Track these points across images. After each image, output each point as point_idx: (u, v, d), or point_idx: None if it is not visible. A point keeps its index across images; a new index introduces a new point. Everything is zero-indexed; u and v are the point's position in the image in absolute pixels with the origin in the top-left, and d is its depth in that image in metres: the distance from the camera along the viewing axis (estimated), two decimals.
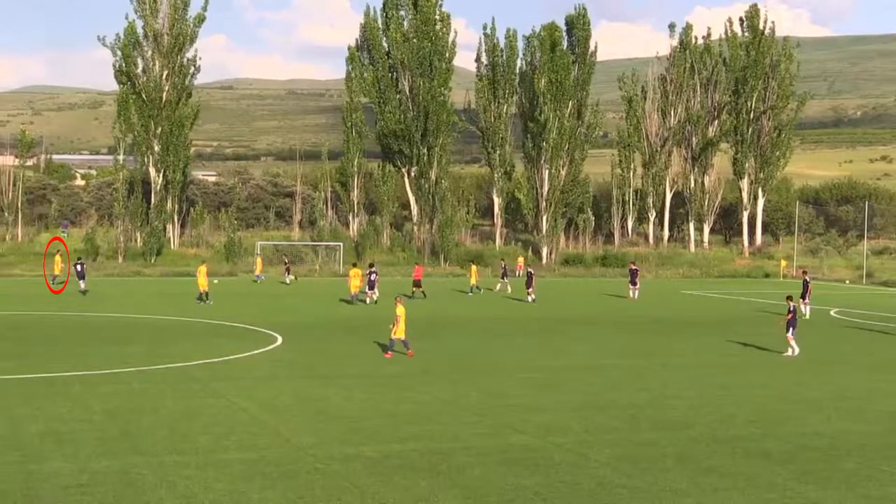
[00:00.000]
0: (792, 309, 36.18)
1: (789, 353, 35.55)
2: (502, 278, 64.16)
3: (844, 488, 17.69)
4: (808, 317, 49.37)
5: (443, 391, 26.87)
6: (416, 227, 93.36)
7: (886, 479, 18.47)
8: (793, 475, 18.52)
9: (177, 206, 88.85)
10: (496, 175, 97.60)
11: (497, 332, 42.31)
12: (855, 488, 17.71)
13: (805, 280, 52.73)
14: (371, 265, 56.61)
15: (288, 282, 67.63)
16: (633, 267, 62.97)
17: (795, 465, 19.39)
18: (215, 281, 65.67)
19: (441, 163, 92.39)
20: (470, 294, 61.35)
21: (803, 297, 50.53)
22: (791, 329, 35.79)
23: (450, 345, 37.47)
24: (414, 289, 57.59)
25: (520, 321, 47.30)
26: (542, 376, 30.04)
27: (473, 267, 65.30)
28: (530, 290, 56.88)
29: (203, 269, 54.19)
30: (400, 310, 33.37)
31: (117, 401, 24.24)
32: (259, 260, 72.22)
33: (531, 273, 58.69)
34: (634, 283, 61.03)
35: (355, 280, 52.92)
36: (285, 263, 70.30)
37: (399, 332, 33.11)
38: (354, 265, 57.01)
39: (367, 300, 52.68)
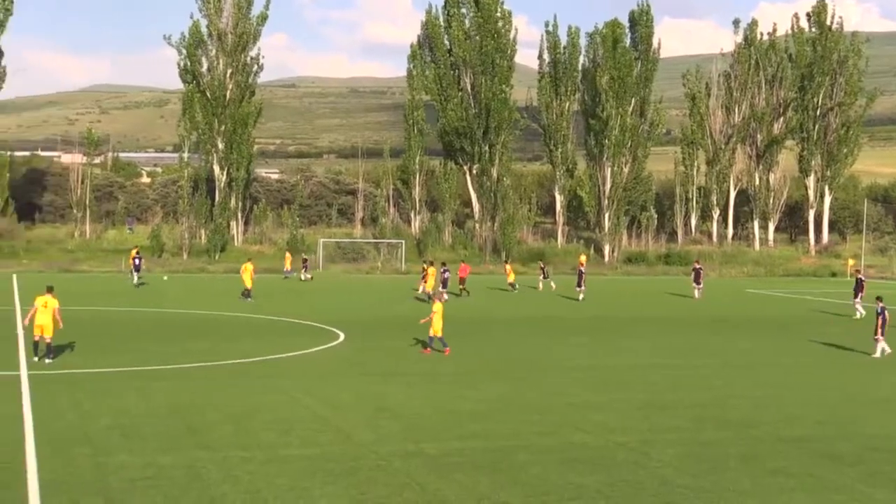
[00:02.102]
0: (880, 311, 35.18)
1: (878, 354, 34.86)
2: (543, 278, 64.03)
3: None
4: (861, 316, 48.90)
5: (502, 389, 26.81)
6: (477, 225, 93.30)
7: None
8: (860, 476, 18.23)
9: (240, 204, 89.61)
10: (558, 172, 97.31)
11: (553, 331, 42.21)
12: None
13: (858, 279, 52.03)
14: (444, 264, 56.85)
15: (302, 278, 67.78)
16: (698, 266, 62.33)
17: (864, 466, 19.08)
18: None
19: (503, 160, 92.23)
20: (514, 290, 61.40)
21: (856, 295, 49.92)
22: (881, 330, 34.89)
23: (505, 343, 37.40)
24: (461, 287, 57.70)
25: (576, 320, 47.09)
26: (601, 375, 29.96)
27: (508, 266, 65.35)
28: (580, 288, 56.58)
29: (249, 266, 54.57)
30: (437, 307, 33.59)
31: (181, 396, 24.51)
32: (288, 255, 72.29)
33: (581, 271, 58.14)
34: (698, 283, 60.43)
35: (431, 279, 53.06)
36: (303, 260, 70.26)
37: (436, 330, 33.25)
38: (431, 263, 56.84)
39: (443, 298, 52.34)
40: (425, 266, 56.29)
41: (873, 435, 22.07)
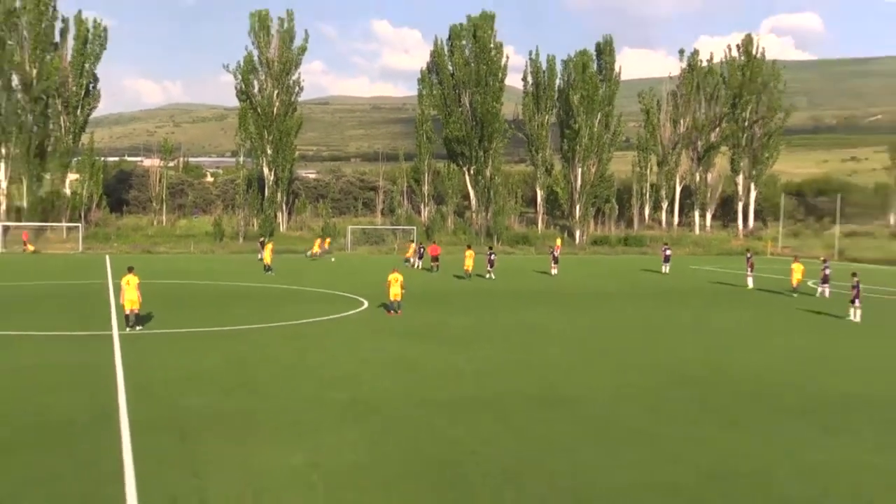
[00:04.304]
0: (855, 284, 35.43)
1: (852, 317, 35.04)
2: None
3: (854, 439, 17.12)
4: (750, 287, 49.13)
5: (496, 351, 26.46)
6: (474, 215, 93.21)
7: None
8: (807, 426, 17.79)
9: (284, 198, 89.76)
10: (539, 172, 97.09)
11: (534, 301, 41.68)
12: (864, 438, 17.39)
13: (748, 257, 52.13)
14: (420, 244, 57.77)
15: (333, 259, 67.68)
16: (666, 248, 62.70)
17: (811, 416, 18.59)
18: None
19: (494, 162, 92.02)
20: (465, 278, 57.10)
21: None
22: (854, 301, 35.16)
23: (501, 313, 37.11)
24: (433, 263, 57.53)
25: (557, 293, 46.85)
26: (579, 340, 29.77)
27: (470, 251, 56.22)
28: (555, 265, 56.11)
29: (270, 245, 55.64)
30: (393, 276, 33.91)
31: (237, 352, 24.54)
32: (318, 240, 72.06)
33: (554, 254, 57.71)
34: (667, 261, 60.80)
35: (469, 260, 51.91)
36: (324, 242, 71.41)
37: (396, 295, 33.59)
38: (469, 247, 56.31)
39: (486, 276, 52.13)
40: (411, 243, 59.40)
41: (817, 391, 21.63)
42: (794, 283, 46.55)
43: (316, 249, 69.33)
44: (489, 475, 13.64)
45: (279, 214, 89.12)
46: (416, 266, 58.59)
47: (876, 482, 14.08)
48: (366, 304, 37.07)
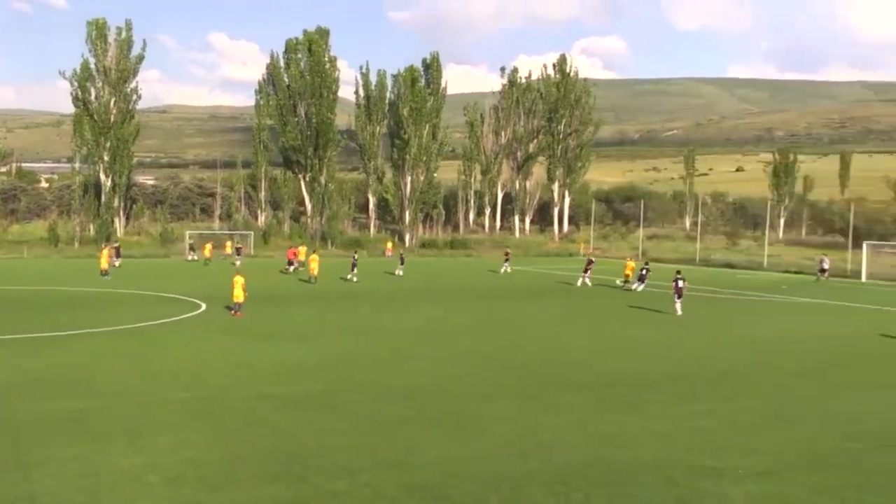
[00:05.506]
0: (676, 280, 36.97)
1: (679, 312, 36.18)
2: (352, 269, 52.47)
3: (632, 411, 18.13)
4: (582, 285, 50.73)
5: (335, 346, 26.51)
6: (309, 220, 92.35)
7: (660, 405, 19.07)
8: (592, 401, 18.88)
9: (122, 204, 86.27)
10: (371, 180, 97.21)
11: (377, 300, 41.70)
12: (636, 411, 18.27)
13: (589, 259, 54.13)
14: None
15: (215, 260, 66.05)
16: (508, 251, 64.06)
17: (595, 392, 19.76)
18: (196, 258, 64.14)
19: (329, 170, 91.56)
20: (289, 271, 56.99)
21: (586, 271, 51.79)
22: (677, 296, 36.60)
23: (338, 310, 37.06)
24: (287, 266, 56.78)
25: (393, 291, 47.09)
26: (415, 332, 30.02)
27: (303, 248, 61.88)
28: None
29: (105, 252, 53.81)
30: (237, 279, 33.29)
31: (75, 355, 23.50)
32: (209, 245, 69.45)
33: (389, 254, 57.79)
34: (507, 261, 61.42)
35: (314, 264, 50.56)
36: (236, 247, 69.40)
37: (238, 297, 32.93)
38: (315, 251, 55.64)
39: (349, 277, 51.50)
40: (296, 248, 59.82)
41: (605, 371, 22.87)
42: (625, 277, 50.42)
43: (208, 255, 67.23)
44: (322, 468, 13.52)
45: (116, 220, 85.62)
46: (289, 272, 56.74)
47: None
48: (203, 306, 36.13)
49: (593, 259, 55.17)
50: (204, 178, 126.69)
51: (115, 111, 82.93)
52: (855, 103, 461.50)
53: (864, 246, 65.04)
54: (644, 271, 48.40)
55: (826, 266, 61.08)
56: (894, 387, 21.81)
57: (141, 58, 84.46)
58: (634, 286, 47.85)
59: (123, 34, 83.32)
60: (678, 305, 36.56)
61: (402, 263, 57.76)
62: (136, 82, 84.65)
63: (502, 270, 60.54)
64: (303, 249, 62.38)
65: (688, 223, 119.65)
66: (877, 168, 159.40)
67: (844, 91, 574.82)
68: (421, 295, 45.07)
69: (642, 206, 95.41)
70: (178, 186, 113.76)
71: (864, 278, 62.04)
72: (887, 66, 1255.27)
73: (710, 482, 13.14)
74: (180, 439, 15.04)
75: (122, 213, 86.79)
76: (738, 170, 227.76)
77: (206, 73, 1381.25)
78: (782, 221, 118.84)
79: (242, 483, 12.72)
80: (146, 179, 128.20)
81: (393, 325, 31.89)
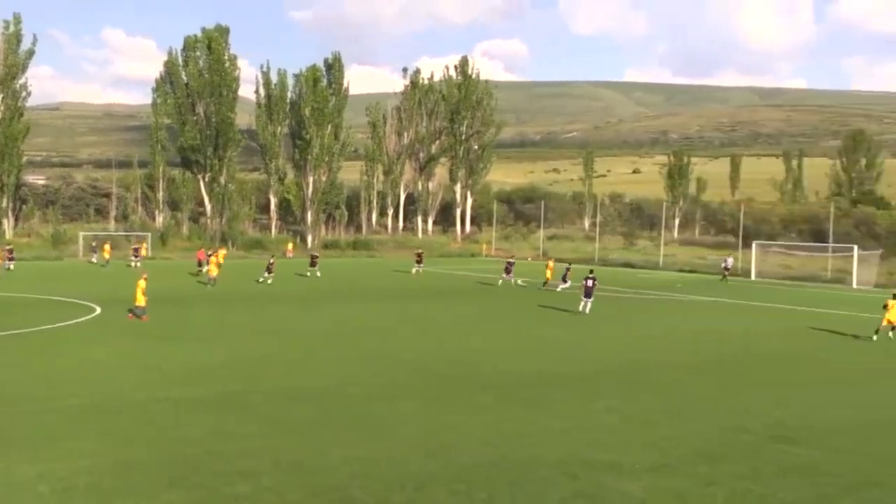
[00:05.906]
0: (587, 279, 37.47)
1: (586, 311, 36.62)
2: (267, 272, 51.37)
3: (536, 410, 18.34)
4: (500, 284, 51.43)
5: (240, 347, 26.06)
6: (209, 221, 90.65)
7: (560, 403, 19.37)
8: (497, 398, 19.04)
9: (11, 204, 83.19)
10: (272, 180, 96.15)
11: (285, 301, 41.36)
12: (541, 409, 18.51)
13: (509, 261, 54.85)
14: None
15: (104, 263, 64.09)
16: (419, 251, 64.98)
17: (498, 391, 19.90)
18: (95, 260, 62.09)
19: (229, 170, 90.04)
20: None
21: (507, 272, 52.64)
22: (585, 295, 37.01)
23: (243, 312, 36.49)
24: (198, 268, 55.79)
25: (302, 293, 46.66)
26: (323, 333, 29.84)
27: (222, 251, 62.74)
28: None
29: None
30: (140, 284, 32.38)
31: None
32: (107, 246, 67.05)
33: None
34: (420, 263, 61.40)
35: (213, 265, 49.14)
36: (133, 248, 67.48)
37: (139, 301, 31.97)
38: (216, 252, 54.78)
39: (261, 279, 50.48)
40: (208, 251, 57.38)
41: (511, 371, 22.94)
42: (547, 278, 51.36)
43: (107, 256, 64.99)
44: (224, 472, 13.26)
45: (5, 221, 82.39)
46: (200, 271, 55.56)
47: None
48: (98, 309, 35.07)
49: (513, 260, 55.79)
50: (98, 177, 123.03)
51: (2, 108, 79.90)
52: (743, 108, 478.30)
53: (754, 245, 67.52)
54: (567, 271, 49.62)
55: (729, 265, 63.08)
56: (784, 382, 22.68)
57: (31, 53, 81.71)
58: (559, 287, 48.53)
59: (12, 28, 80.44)
60: (586, 304, 37.08)
61: (311, 265, 56.71)
62: (26, 78, 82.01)
63: (414, 271, 60.51)
64: (222, 253, 61.54)
65: (587, 224, 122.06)
66: (763, 171, 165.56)
67: (734, 96, 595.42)
68: (327, 296, 44.71)
69: (543, 206, 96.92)
70: (71, 186, 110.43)
71: (753, 276, 64.39)
72: (774, 72, 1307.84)
73: (609, 476, 13.43)
74: (74, 447, 14.52)
75: (10, 213, 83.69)
76: (634, 171, 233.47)
77: (100, 69, 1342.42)
78: (677, 222, 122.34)
79: (138, 490, 12.35)
80: (37, 179, 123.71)
81: (300, 326, 31.64)
